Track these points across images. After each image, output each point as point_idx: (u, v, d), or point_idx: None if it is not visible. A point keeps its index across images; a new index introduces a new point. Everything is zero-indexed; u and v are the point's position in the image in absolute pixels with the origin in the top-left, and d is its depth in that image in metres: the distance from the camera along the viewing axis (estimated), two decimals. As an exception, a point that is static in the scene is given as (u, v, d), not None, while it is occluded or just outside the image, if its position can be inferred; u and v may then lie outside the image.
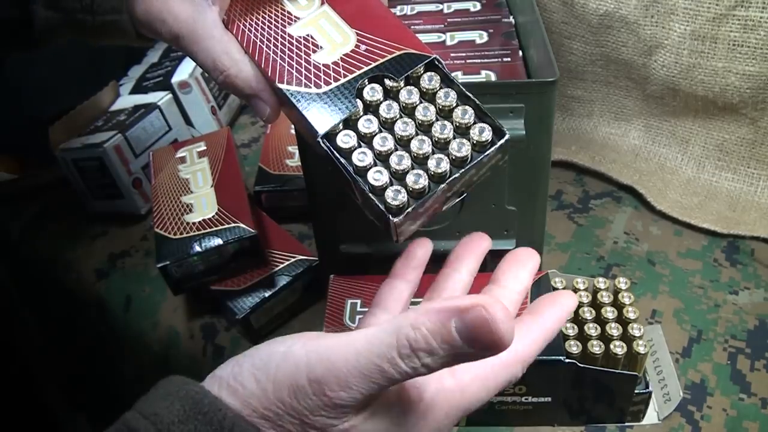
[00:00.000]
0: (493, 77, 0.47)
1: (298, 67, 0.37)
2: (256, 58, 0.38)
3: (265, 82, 0.38)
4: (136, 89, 0.79)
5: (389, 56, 0.36)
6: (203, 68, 0.39)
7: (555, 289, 0.46)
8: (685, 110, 0.65)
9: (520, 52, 0.50)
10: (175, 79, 0.76)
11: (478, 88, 0.41)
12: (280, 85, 0.36)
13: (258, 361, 0.29)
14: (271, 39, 0.39)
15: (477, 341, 0.26)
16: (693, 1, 0.57)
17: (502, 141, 0.34)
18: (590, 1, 0.62)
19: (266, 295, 0.55)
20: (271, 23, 0.40)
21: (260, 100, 0.38)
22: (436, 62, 0.36)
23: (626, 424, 0.45)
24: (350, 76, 0.36)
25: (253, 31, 0.39)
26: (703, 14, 0.57)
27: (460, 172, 0.34)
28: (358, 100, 0.35)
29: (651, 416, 0.45)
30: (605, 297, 0.45)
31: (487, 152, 0.34)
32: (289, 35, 0.39)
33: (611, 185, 0.69)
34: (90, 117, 0.74)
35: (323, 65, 0.37)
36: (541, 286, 0.46)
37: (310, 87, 0.36)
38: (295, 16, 0.40)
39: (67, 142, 0.70)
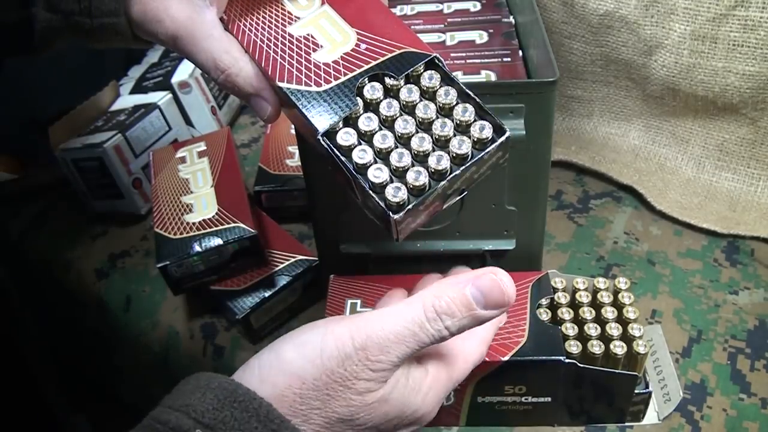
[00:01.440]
0: (493, 77, 0.47)
1: (298, 65, 0.37)
2: (256, 57, 0.38)
3: (266, 81, 0.38)
4: (136, 89, 0.79)
5: (389, 55, 0.36)
6: (203, 68, 0.39)
7: (555, 289, 0.46)
8: (685, 110, 0.65)
9: (520, 52, 0.50)
10: (175, 79, 0.76)
11: (478, 88, 0.41)
12: (280, 84, 0.36)
13: (299, 340, 0.32)
14: (271, 38, 0.39)
15: (490, 301, 0.32)
16: (693, 1, 0.57)
17: (503, 138, 0.34)
18: (590, 1, 0.62)
19: (266, 295, 0.55)
20: (271, 23, 0.40)
21: (261, 99, 0.38)
22: (436, 61, 0.36)
23: (626, 424, 0.45)
24: (350, 75, 0.36)
25: (253, 30, 0.39)
26: (703, 14, 0.57)
27: (461, 169, 0.34)
28: (358, 99, 0.35)
29: (651, 416, 0.45)
30: (605, 297, 0.45)
31: (488, 149, 0.34)
32: (290, 34, 0.39)
33: (611, 185, 0.69)
34: (90, 117, 0.74)
35: (323, 64, 0.37)
36: (541, 286, 0.46)
37: (311, 85, 0.36)
38: (295, 16, 0.40)
39: (67, 142, 0.70)
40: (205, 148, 0.66)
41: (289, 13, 0.40)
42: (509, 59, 0.49)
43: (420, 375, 0.34)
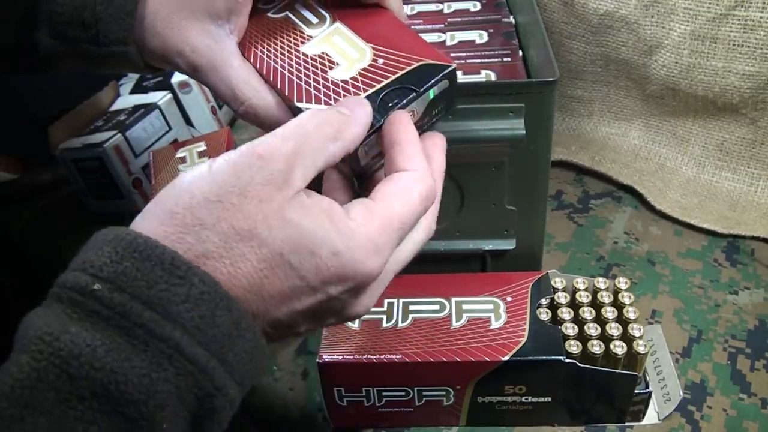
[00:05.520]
0: (493, 77, 0.47)
1: (315, 84, 0.37)
2: (271, 79, 0.37)
3: (287, 110, 0.37)
4: (136, 89, 0.79)
5: (408, 68, 0.36)
6: (222, 99, 0.38)
7: (555, 289, 0.46)
8: (685, 110, 0.65)
9: (520, 52, 0.50)
10: (175, 79, 0.76)
11: (478, 88, 0.41)
12: (299, 104, 0.36)
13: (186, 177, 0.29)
14: (286, 60, 0.38)
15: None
16: (693, 1, 0.57)
17: (447, 71, 0.35)
18: (590, 1, 0.62)
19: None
20: (284, 44, 0.39)
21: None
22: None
23: (626, 424, 0.45)
24: (370, 90, 0.35)
25: (267, 53, 0.39)
26: (703, 14, 0.57)
27: (407, 99, 0.34)
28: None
29: (651, 416, 0.45)
30: (605, 297, 0.45)
31: (431, 82, 0.34)
32: (304, 54, 0.38)
33: (611, 185, 0.69)
34: (90, 117, 0.74)
35: (341, 81, 0.36)
36: (541, 286, 0.46)
37: (330, 103, 0.35)
38: (308, 35, 0.39)
39: (67, 142, 0.70)
40: (205, 148, 0.66)
41: (300, 33, 0.40)
42: (509, 59, 0.50)
43: (329, 203, 0.29)
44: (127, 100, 0.77)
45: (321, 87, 0.36)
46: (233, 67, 0.38)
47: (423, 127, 0.37)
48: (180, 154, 0.67)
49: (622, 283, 0.46)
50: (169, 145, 0.70)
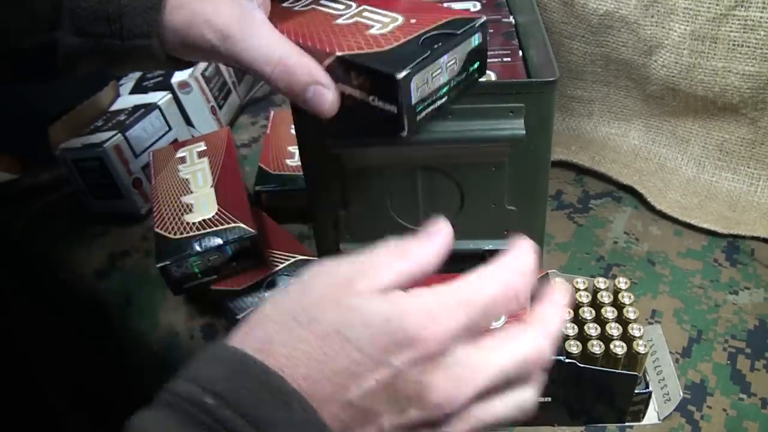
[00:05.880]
0: (493, 77, 0.47)
1: (355, 39, 0.37)
2: (308, 43, 0.38)
3: (323, 69, 0.37)
4: (136, 89, 0.79)
5: (442, 21, 0.37)
6: (254, 65, 0.38)
7: (555, 289, 0.46)
8: (685, 110, 0.65)
9: (520, 52, 0.50)
10: (175, 79, 0.76)
11: (478, 88, 0.41)
12: (340, 53, 0.36)
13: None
14: (321, 30, 0.39)
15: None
16: (693, 1, 0.57)
17: (481, 20, 0.37)
18: (590, 1, 0.62)
19: (266, 295, 0.55)
20: (317, 23, 0.40)
21: (321, 87, 0.37)
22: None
23: (626, 424, 0.45)
24: (411, 36, 0.37)
25: (302, 29, 0.40)
26: (703, 14, 0.57)
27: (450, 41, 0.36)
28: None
29: (651, 416, 0.45)
30: (605, 297, 0.45)
31: (468, 26, 0.37)
32: (338, 25, 0.40)
33: (611, 185, 0.69)
34: (90, 117, 0.74)
35: (381, 35, 0.37)
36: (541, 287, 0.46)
37: (373, 48, 0.36)
38: (338, 15, 0.41)
39: (67, 142, 0.70)
40: (205, 148, 0.66)
41: (330, 15, 0.41)
42: (509, 59, 0.49)
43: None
44: (127, 100, 0.77)
45: (362, 39, 0.37)
46: (264, 30, 0.38)
47: (457, 89, 0.38)
48: (180, 154, 0.67)
49: (622, 283, 0.46)
50: (169, 145, 0.71)
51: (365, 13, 0.40)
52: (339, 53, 0.36)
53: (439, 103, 0.37)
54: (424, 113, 0.37)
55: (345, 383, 0.27)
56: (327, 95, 0.37)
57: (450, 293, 0.29)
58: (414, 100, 0.35)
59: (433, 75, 0.36)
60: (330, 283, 0.29)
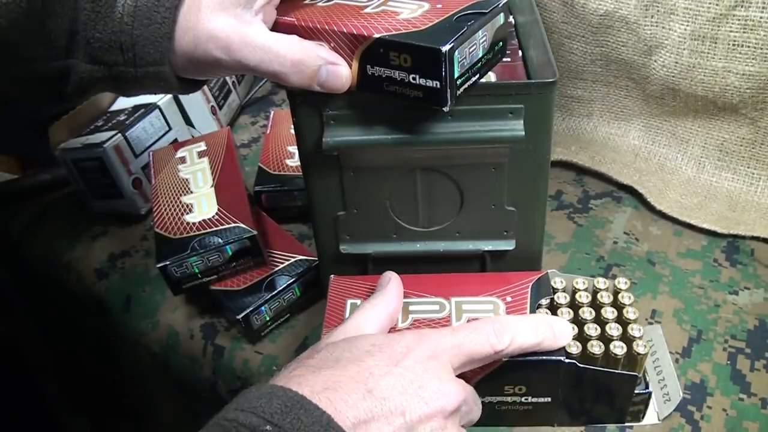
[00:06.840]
0: (492, 77, 0.47)
1: (390, 23, 0.39)
2: (335, 28, 0.39)
3: (330, 50, 0.39)
4: (136, 89, 0.79)
5: (466, 5, 0.39)
6: (260, 66, 0.39)
7: (555, 289, 0.46)
8: (685, 110, 0.65)
9: (520, 52, 0.50)
10: (175, 79, 0.76)
11: (478, 88, 0.41)
12: (378, 35, 0.38)
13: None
14: (350, 18, 0.40)
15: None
16: (693, 1, 0.57)
17: (500, 3, 0.39)
18: (590, 1, 0.62)
19: (266, 295, 0.55)
20: (344, 13, 0.41)
21: (334, 66, 0.39)
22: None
23: (626, 424, 0.45)
24: (444, 17, 0.38)
25: (327, 19, 0.41)
26: (703, 14, 0.57)
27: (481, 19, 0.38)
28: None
29: (651, 416, 0.45)
30: (605, 297, 0.45)
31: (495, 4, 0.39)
32: (368, 13, 0.41)
33: (611, 185, 0.69)
34: (90, 117, 0.74)
35: (414, 18, 0.39)
36: (541, 286, 0.46)
37: (409, 29, 0.38)
38: (363, 6, 0.42)
39: (67, 142, 0.70)
40: (205, 148, 0.66)
41: (355, 7, 0.42)
42: (509, 59, 0.49)
43: None
44: (126, 100, 0.77)
45: (396, 23, 0.39)
46: (262, 33, 0.39)
47: (488, 66, 0.40)
48: (180, 154, 0.67)
49: (622, 283, 0.46)
50: (169, 145, 0.71)
51: (390, 3, 0.42)
52: (377, 35, 0.38)
53: (473, 79, 0.39)
54: (463, 87, 0.38)
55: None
56: (340, 70, 0.39)
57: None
58: (457, 73, 0.37)
59: (470, 50, 0.38)
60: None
